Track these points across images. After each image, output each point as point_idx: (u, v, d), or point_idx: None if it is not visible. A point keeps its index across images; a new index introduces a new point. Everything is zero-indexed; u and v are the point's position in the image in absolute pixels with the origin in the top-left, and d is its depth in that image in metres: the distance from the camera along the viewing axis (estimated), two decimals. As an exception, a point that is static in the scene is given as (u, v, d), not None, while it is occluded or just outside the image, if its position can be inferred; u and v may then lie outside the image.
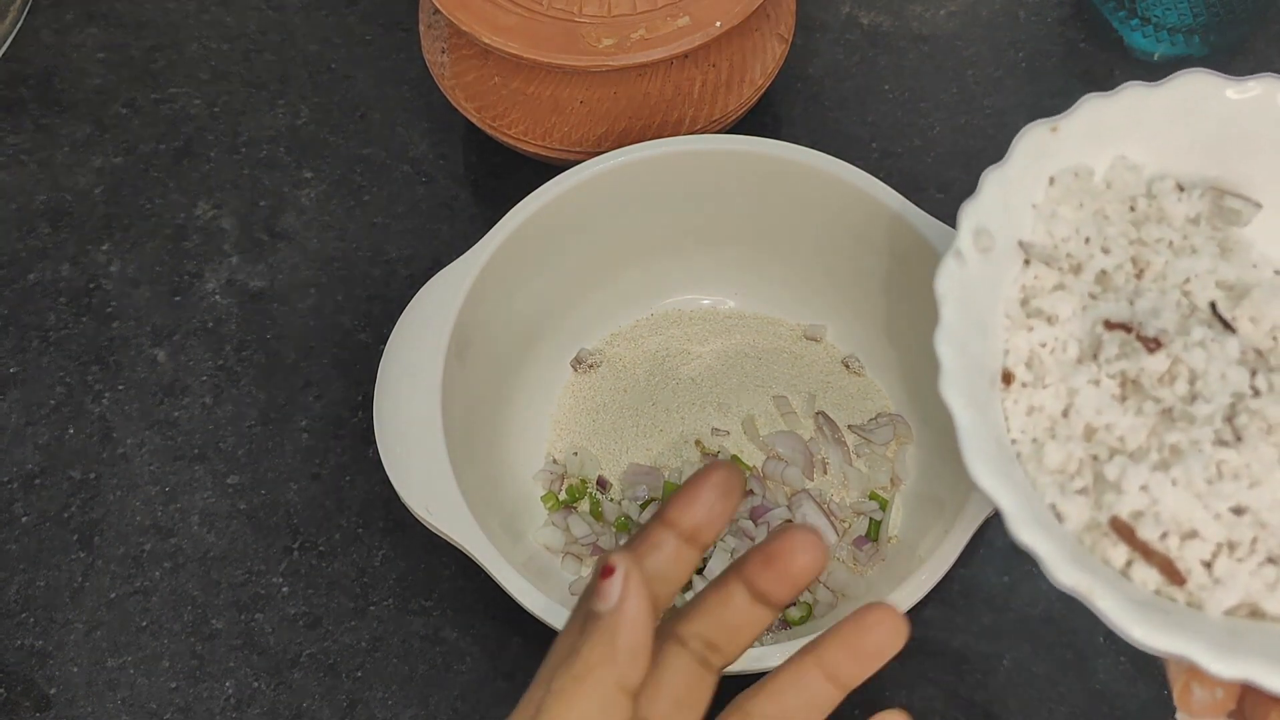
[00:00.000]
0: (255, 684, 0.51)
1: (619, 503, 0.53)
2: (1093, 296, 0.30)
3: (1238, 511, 0.27)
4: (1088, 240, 0.30)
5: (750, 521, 0.52)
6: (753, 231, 0.54)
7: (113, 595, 0.53)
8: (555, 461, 0.53)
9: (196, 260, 0.60)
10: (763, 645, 0.48)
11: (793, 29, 0.59)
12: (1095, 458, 0.28)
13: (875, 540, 0.52)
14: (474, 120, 0.58)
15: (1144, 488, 0.27)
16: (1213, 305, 0.29)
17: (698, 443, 0.53)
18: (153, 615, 0.52)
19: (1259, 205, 0.31)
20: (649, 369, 0.55)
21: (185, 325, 0.58)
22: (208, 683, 0.51)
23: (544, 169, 0.54)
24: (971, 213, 0.29)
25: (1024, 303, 0.30)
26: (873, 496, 0.53)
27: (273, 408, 0.56)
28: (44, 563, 0.53)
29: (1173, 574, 0.27)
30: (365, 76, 0.64)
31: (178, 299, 0.59)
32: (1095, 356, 0.29)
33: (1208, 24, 0.61)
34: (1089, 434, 0.28)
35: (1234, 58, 0.63)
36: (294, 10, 0.66)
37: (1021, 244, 0.30)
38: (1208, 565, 0.27)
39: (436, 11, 0.58)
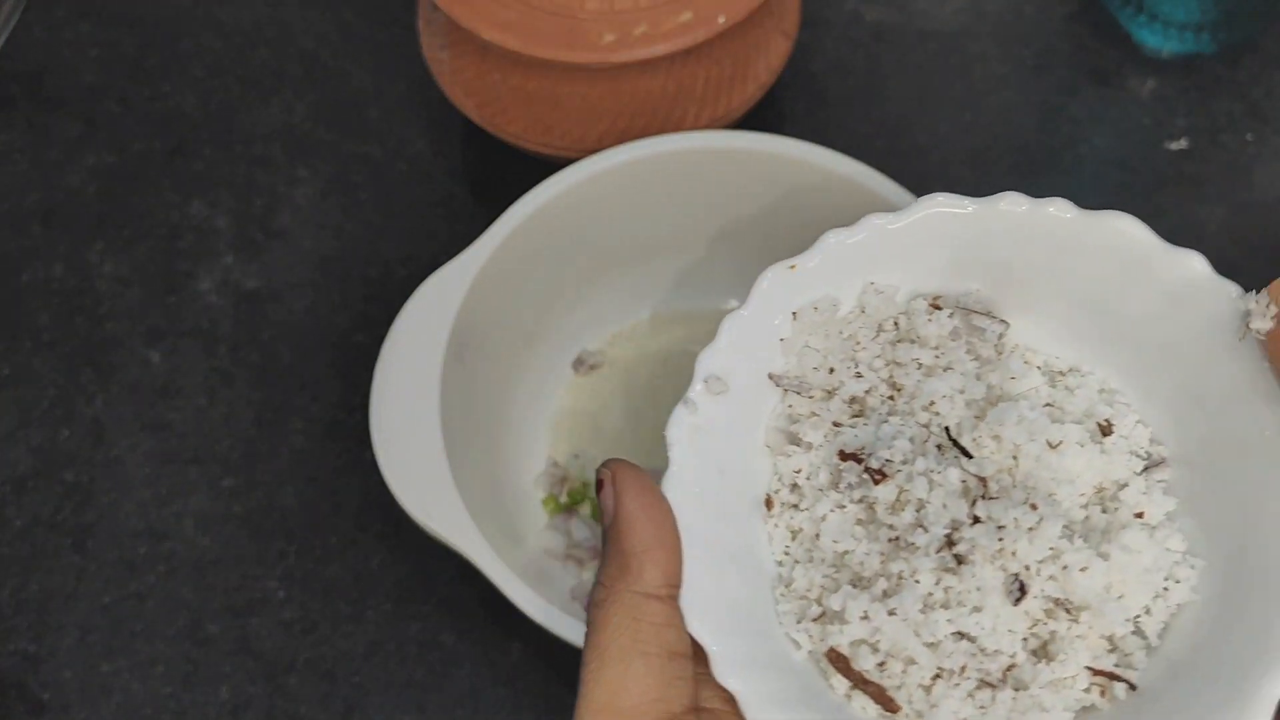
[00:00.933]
0: (251, 689, 0.50)
1: (620, 506, 0.52)
2: (836, 425, 0.31)
3: (959, 637, 0.28)
4: (832, 370, 0.32)
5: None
6: (756, 230, 0.53)
7: (106, 599, 0.52)
8: (556, 464, 0.53)
9: (190, 260, 0.59)
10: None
11: (797, 25, 0.58)
12: (838, 587, 0.29)
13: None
14: (473, 117, 0.57)
15: (865, 617, 0.29)
16: (947, 430, 0.30)
17: (700, 445, 0.53)
18: (147, 620, 0.52)
19: (1005, 323, 0.32)
20: (651, 370, 0.55)
21: (179, 326, 0.58)
22: (202, 688, 0.50)
23: (544, 167, 0.53)
24: (705, 360, 0.31)
25: (784, 430, 0.32)
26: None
27: (268, 410, 0.55)
28: (36, 566, 0.53)
29: (886, 702, 0.28)
30: (362, 73, 0.64)
31: (171, 299, 0.58)
32: (838, 485, 0.30)
33: (1216, 21, 0.61)
34: (838, 559, 0.30)
35: (1243, 55, 0.63)
36: (289, 6, 0.66)
37: (771, 376, 0.32)
38: (927, 689, 0.29)
39: (435, 7, 0.57)
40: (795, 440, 0.31)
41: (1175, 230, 0.59)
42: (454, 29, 0.56)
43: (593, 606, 0.28)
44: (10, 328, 0.58)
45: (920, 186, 0.52)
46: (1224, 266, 0.59)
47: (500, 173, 0.60)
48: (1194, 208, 0.60)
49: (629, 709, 0.27)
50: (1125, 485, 0.30)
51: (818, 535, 0.30)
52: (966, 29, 0.64)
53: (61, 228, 0.60)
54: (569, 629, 0.44)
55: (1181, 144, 0.61)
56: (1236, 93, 0.62)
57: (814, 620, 0.30)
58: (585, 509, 0.52)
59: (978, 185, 0.60)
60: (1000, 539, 0.28)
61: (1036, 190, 0.33)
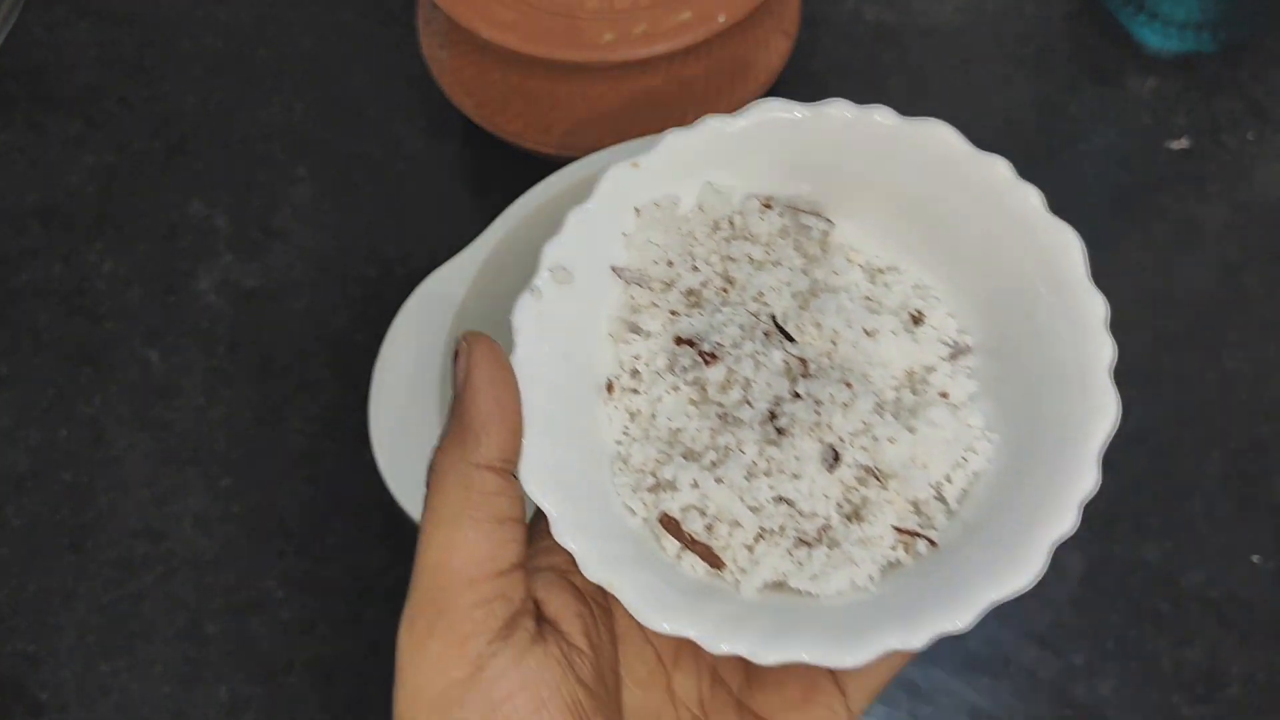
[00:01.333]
0: (249, 690, 0.50)
1: (620, 506, 0.52)
2: (674, 314, 0.33)
3: (780, 501, 0.31)
4: (671, 264, 0.34)
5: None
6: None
7: (105, 599, 0.52)
8: (555, 464, 0.53)
9: (189, 259, 0.59)
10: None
11: (797, 24, 0.58)
12: (671, 458, 0.32)
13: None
14: (472, 117, 0.57)
15: (695, 485, 0.31)
16: (773, 318, 0.33)
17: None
18: (145, 620, 0.52)
19: (830, 223, 0.34)
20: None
21: (178, 325, 0.58)
22: (201, 688, 0.50)
23: (544, 166, 0.53)
24: (550, 250, 0.33)
25: (626, 319, 0.34)
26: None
27: (267, 409, 0.55)
28: (35, 567, 0.53)
29: (713, 560, 0.31)
30: (361, 72, 0.64)
31: (171, 299, 0.58)
32: (673, 368, 0.32)
33: (1216, 20, 0.61)
34: (672, 436, 0.32)
35: (1244, 54, 0.63)
36: (288, 5, 0.66)
37: (614, 269, 0.34)
38: (750, 548, 0.31)
39: (435, 7, 0.57)
40: (635, 329, 0.33)
41: (1176, 229, 0.59)
42: (453, 28, 0.56)
43: (430, 472, 0.30)
44: (9, 327, 0.58)
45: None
46: (1225, 266, 0.59)
47: (499, 172, 0.60)
48: (1195, 207, 0.60)
49: (458, 566, 0.29)
50: (933, 369, 0.33)
51: (654, 415, 0.33)
52: (966, 28, 0.64)
53: (61, 227, 0.60)
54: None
55: (1182, 143, 0.61)
56: (1237, 92, 0.62)
57: (648, 490, 0.32)
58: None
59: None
60: (818, 413, 0.31)
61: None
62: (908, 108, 0.33)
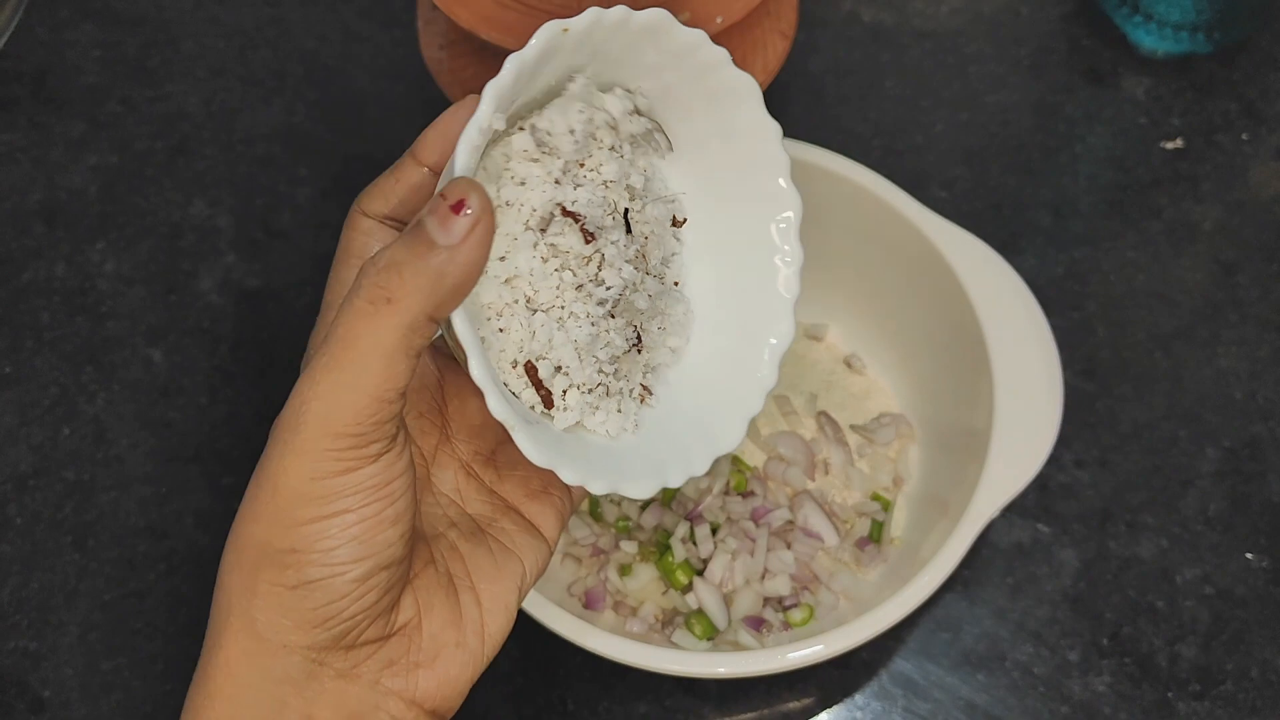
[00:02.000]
0: (251, 687, 0.50)
1: (619, 504, 0.52)
2: (557, 182, 0.36)
3: (595, 360, 0.37)
4: (572, 131, 0.36)
5: (751, 523, 0.51)
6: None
7: (107, 597, 0.52)
8: (554, 462, 0.53)
9: (192, 259, 0.59)
10: (765, 648, 0.48)
11: (795, 25, 0.58)
12: (515, 302, 0.36)
13: (878, 542, 0.51)
14: (472, 117, 0.57)
15: (549, 340, 0.36)
16: (625, 211, 0.37)
17: (698, 443, 0.53)
18: (147, 617, 0.52)
19: (671, 149, 0.39)
20: (649, 368, 0.55)
21: (180, 325, 0.58)
22: (203, 686, 0.51)
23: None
24: (494, 90, 0.34)
25: (503, 164, 0.36)
26: (875, 497, 0.52)
27: (269, 408, 0.55)
28: (37, 564, 0.53)
29: (549, 402, 0.36)
30: (362, 73, 0.64)
31: (173, 298, 0.58)
32: (544, 228, 0.35)
33: (1211, 21, 0.61)
34: (510, 279, 0.36)
35: (1238, 55, 0.63)
36: (290, 6, 0.66)
37: (530, 126, 0.36)
38: (564, 394, 0.37)
39: (435, 7, 0.57)
40: (507, 172, 0.36)
41: (1170, 228, 0.60)
42: (454, 29, 0.56)
43: (384, 296, 0.31)
44: (12, 326, 0.58)
45: (917, 186, 0.52)
46: (1220, 265, 0.59)
47: (499, 172, 0.60)
48: (1189, 207, 0.60)
49: (389, 395, 0.32)
50: (670, 261, 0.40)
51: (502, 259, 0.35)
52: (963, 29, 0.64)
53: (63, 227, 0.60)
54: (568, 627, 0.44)
55: (1177, 143, 0.61)
56: (1231, 92, 0.62)
57: (499, 331, 0.36)
58: (584, 506, 0.52)
59: (974, 184, 0.61)
60: (648, 299, 0.37)
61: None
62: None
